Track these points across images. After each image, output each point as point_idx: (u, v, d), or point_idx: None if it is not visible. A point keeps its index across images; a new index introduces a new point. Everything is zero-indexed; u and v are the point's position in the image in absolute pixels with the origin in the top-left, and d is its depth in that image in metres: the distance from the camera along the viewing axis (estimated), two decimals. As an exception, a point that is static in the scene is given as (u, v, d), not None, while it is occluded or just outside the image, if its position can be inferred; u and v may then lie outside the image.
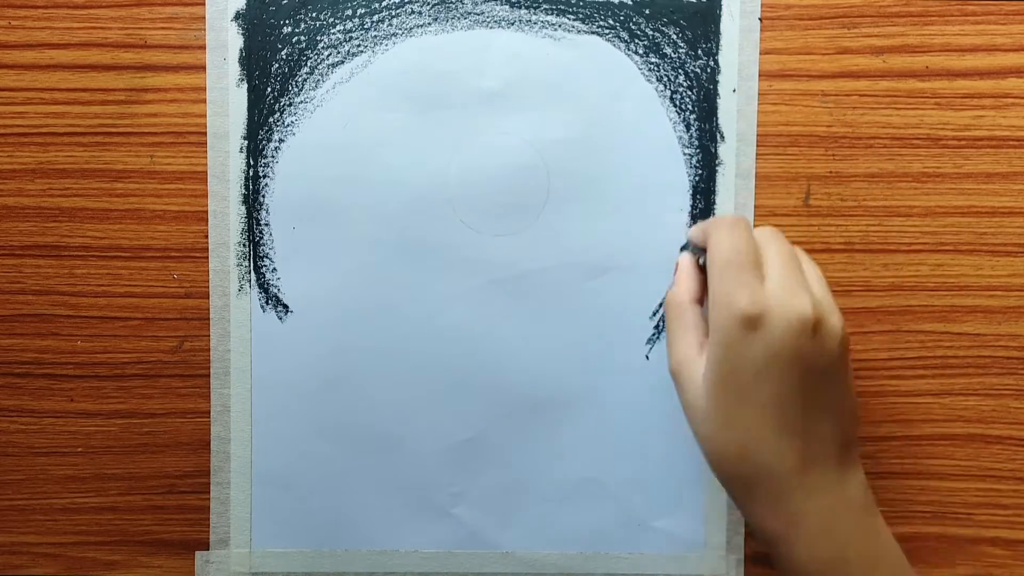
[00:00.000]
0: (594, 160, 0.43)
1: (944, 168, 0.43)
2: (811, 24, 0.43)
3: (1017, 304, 0.44)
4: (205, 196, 0.43)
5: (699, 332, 0.36)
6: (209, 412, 0.44)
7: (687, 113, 0.43)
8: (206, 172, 0.43)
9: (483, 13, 0.43)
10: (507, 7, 0.43)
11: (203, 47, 0.43)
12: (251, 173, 0.43)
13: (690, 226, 0.43)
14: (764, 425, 0.33)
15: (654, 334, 0.44)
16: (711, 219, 0.38)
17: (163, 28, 0.43)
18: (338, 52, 0.43)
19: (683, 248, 0.40)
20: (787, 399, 0.33)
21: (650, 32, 0.43)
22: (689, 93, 0.43)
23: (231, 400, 0.44)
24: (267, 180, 0.43)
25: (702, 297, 0.37)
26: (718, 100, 0.43)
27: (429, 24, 0.43)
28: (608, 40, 0.43)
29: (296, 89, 0.43)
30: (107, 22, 0.43)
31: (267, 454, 0.44)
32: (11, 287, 0.44)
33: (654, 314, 0.44)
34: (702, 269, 0.37)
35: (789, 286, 0.34)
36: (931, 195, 0.44)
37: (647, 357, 0.44)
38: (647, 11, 0.43)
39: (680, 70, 0.43)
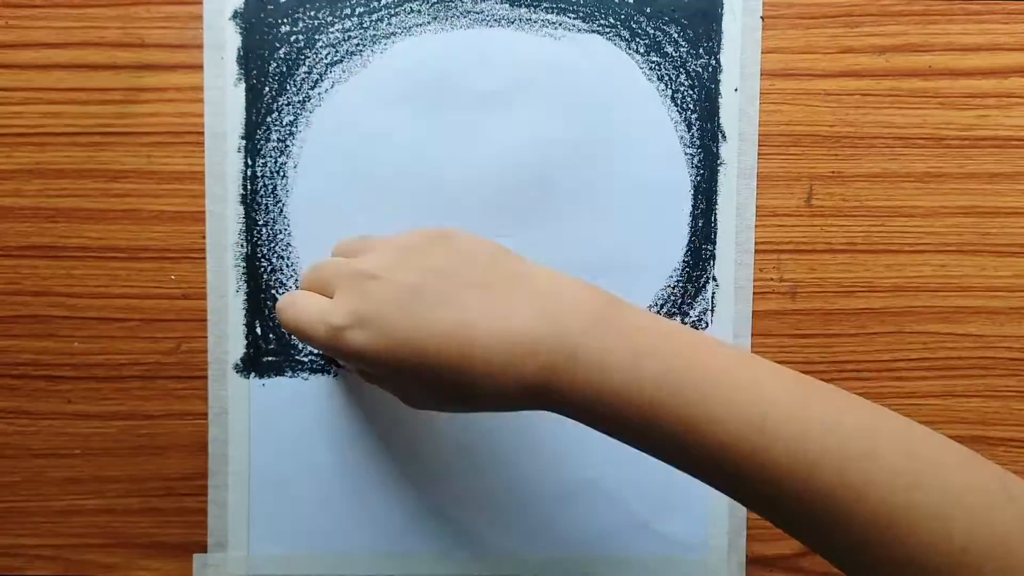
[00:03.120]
0: (595, 160, 0.43)
1: (947, 168, 0.43)
2: (813, 23, 0.43)
3: (1020, 305, 0.44)
4: (203, 196, 0.43)
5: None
6: (207, 414, 0.44)
7: (688, 112, 0.43)
8: (204, 172, 0.43)
9: (483, 12, 0.43)
10: (507, 6, 0.43)
11: (201, 46, 0.43)
12: (249, 173, 0.43)
13: (690, 226, 0.43)
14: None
15: (655, 335, 0.43)
16: None
17: (161, 27, 0.43)
18: (337, 51, 0.43)
19: None
20: (429, 282, 0.32)
21: (651, 31, 0.43)
22: (690, 92, 0.43)
23: (229, 402, 0.43)
24: (265, 180, 0.43)
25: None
26: (720, 99, 0.43)
27: (428, 23, 0.43)
28: (609, 39, 0.43)
29: (294, 88, 0.43)
30: (104, 21, 0.43)
31: (265, 456, 0.44)
32: (8, 288, 0.43)
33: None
34: None
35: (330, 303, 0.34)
36: (934, 195, 0.43)
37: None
38: (648, 9, 0.43)
39: (681, 69, 0.43)
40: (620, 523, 0.44)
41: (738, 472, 0.29)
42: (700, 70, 0.43)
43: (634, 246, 0.43)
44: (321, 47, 0.43)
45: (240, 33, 0.43)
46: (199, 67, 0.43)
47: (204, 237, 0.43)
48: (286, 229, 0.43)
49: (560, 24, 0.43)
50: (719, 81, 0.43)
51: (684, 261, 0.43)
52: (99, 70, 0.43)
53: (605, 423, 0.31)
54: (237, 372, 0.43)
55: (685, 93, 0.43)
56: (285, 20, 0.43)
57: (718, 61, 0.43)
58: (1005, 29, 0.43)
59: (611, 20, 0.43)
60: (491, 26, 0.43)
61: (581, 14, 0.43)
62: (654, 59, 0.43)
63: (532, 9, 0.43)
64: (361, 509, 0.44)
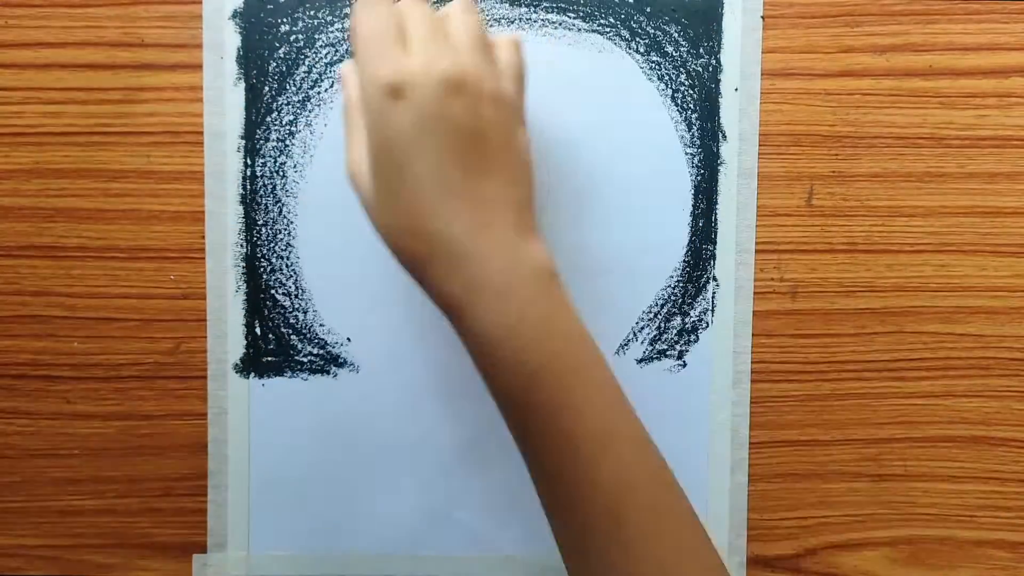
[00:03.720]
0: (595, 160, 0.43)
1: (947, 168, 0.43)
2: (814, 22, 0.43)
3: (1021, 305, 0.44)
4: (202, 196, 0.43)
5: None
6: (206, 414, 0.43)
7: (689, 112, 0.43)
8: (203, 172, 0.43)
9: (483, 11, 0.42)
10: (507, 5, 0.42)
11: (200, 46, 0.43)
12: (249, 173, 0.43)
13: (691, 226, 0.43)
14: (427, 194, 0.32)
15: (655, 334, 0.43)
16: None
17: (160, 27, 0.43)
18: (337, 51, 0.43)
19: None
20: (445, 164, 0.32)
21: (651, 30, 0.43)
22: (691, 92, 0.43)
23: (228, 402, 0.43)
24: (265, 180, 0.43)
25: None
26: (720, 99, 0.43)
27: (428, 23, 0.42)
28: (609, 38, 0.43)
29: (294, 88, 0.43)
30: (104, 21, 0.43)
31: (265, 456, 0.43)
32: (7, 288, 0.43)
33: (655, 315, 0.43)
34: None
35: (429, 50, 0.32)
36: (934, 195, 0.43)
37: (647, 357, 0.43)
38: (648, 9, 0.43)
39: (682, 69, 0.43)
40: (620, 523, 0.44)
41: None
42: (700, 70, 0.43)
43: (634, 246, 0.43)
44: (321, 47, 0.43)
45: (239, 33, 0.43)
46: (198, 67, 0.43)
47: (203, 237, 0.43)
48: (286, 229, 0.43)
49: (560, 24, 0.43)
50: (719, 81, 0.43)
51: (684, 261, 0.43)
52: (98, 70, 0.43)
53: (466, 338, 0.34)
54: (236, 372, 0.43)
55: (685, 93, 0.43)
56: (285, 20, 0.43)
57: (718, 61, 0.43)
58: (1005, 29, 0.43)
59: (611, 20, 0.43)
60: (491, 25, 0.43)
61: (581, 14, 0.43)
62: (654, 59, 0.43)
63: (532, 9, 0.43)
64: (361, 509, 0.44)
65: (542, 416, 0.33)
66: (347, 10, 0.42)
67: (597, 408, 0.33)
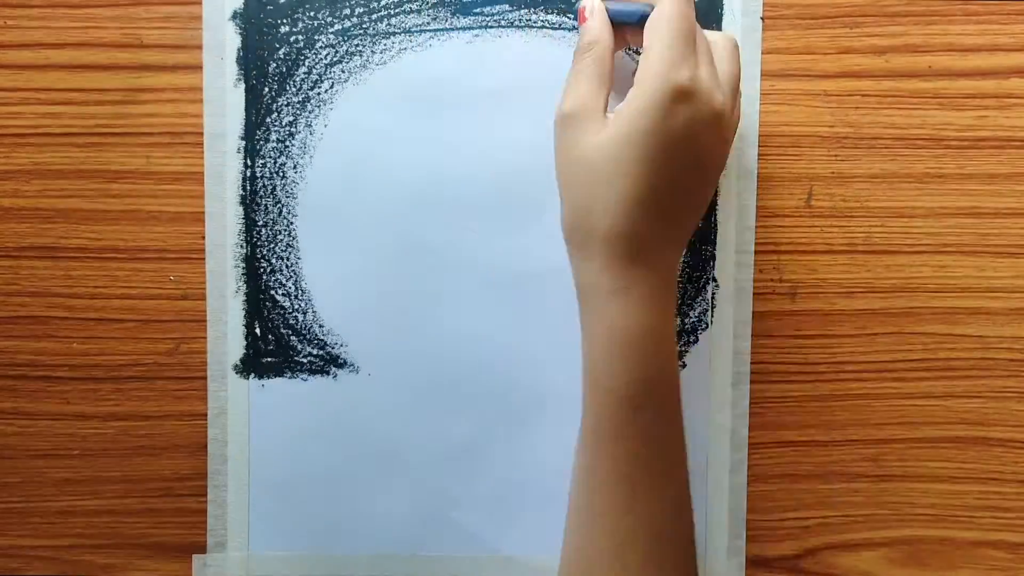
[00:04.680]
0: (594, 161, 0.43)
1: (947, 169, 0.43)
2: (813, 24, 0.43)
3: (1020, 306, 0.44)
4: (202, 197, 0.43)
5: (608, 84, 0.37)
6: (206, 415, 0.43)
7: (688, 113, 0.43)
8: (203, 173, 0.43)
9: (482, 12, 0.43)
10: (507, 6, 0.43)
11: (200, 47, 0.43)
12: (248, 174, 0.43)
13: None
14: (654, 192, 0.34)
15: (655, 336, 0.43)
16: None
17: (160, 28, 0.43)
18: (336, 52, 0.43)
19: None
20: (684, 177, 0.35)
21: (651, 32, 0.43)
22: (690, 93, 0.43)
23: (228, 403, 0.43)
24: (264, 181, 0.43)
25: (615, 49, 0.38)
26: (719, 100, 0.43)
27: (428, 23, 0.43)
28: (608, 40, 0.43)
29: (294, 89, 0.43)
30: (103, 22, 0.43)
31: (264, 457, 0.43)
32: (7, 289, 0.43)
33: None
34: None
35: (715, 75, 0.36)
36: (934, 196, 0.43)
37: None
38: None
39: (681, 70, 0.43)
40: (620, 524, 0.44)
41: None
42: (700, 71, 0.43)
43: (634, 247, 0.43)
44: (321, 47, 0.43)
45: (240, 34, 0.43)
46: (198, 68, 0.43)
47: (203, 238, 0.43)
48: (285, 230, 0.43)
49: (560, 25, 0.43)
50: (719, 82, 0.43)
51: (684, 262, 0.43)
52: (98, 70, 0.43)
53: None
54: (236, 373, 0.43)
55: (685, 94, 0.43)
56: (285, 20, 0.43)
57: (718, 62, 0.43)
58: (1005, 30, 0.43)
59: (611, 21, 0.43)
60: (491, 26, 0.43)
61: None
62: (654, 60, 0.43)
63: (532, 10, 0.43)
64: (360, 509, 0.44)
65: (647, 418, 0.35)
66: (346, 11, 0.42)
67: (679, 425, 0.37)
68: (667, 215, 0.35)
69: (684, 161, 0.35)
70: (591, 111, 0.36)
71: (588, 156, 0.35)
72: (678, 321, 0.43)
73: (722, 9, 0.42)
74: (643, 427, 0.35)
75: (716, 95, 0.35)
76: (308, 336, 0.43)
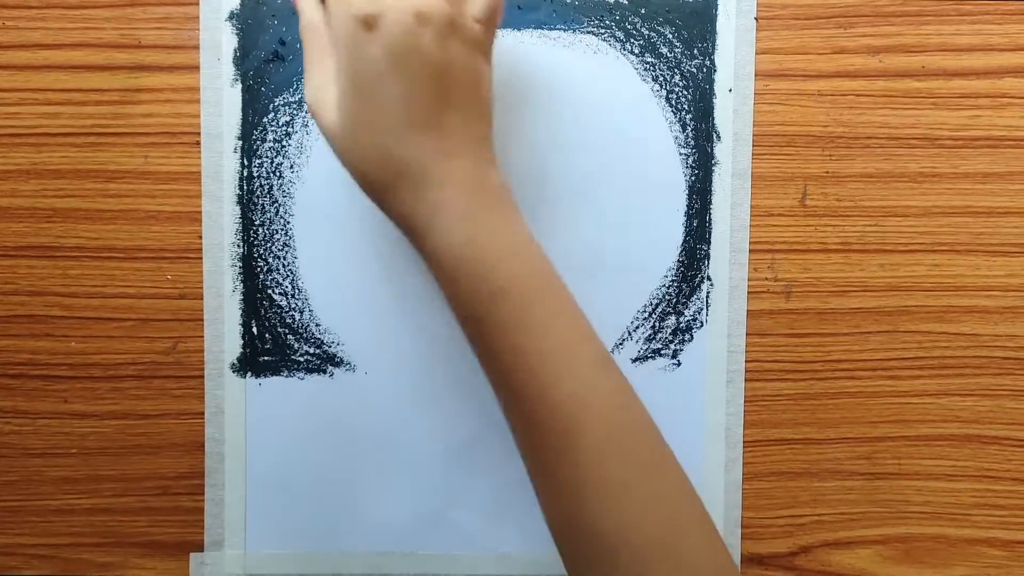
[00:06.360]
0: (590, 160, 0.43)
1: (941, 168, 0.43)
2: (807, 24, 0.43)
3: (1014, 304, 0.44)
4: (199, 196, 0.43)
5: (331, 54, 0.35)
6: (203, 413, 0.44)
7: (683, 113, 0.43)
8: (200, 172, 0.43)
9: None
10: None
11: (197, 47, 0.43)
12: (245, 173, 0.43)
13: (685, 226, 0.43)
14: (397, 122, 0.34)
15: (650, 333, 0.44)
16: None
17: (157, 28, 0.43)
18: (333, 52, 0.43)
19: None
20: (414, 95, 0.33)
21: (646, 31, 0.43)
22: (685, 93, 0.43)
23: (225, 401, 0.43)
24: (261, 180, 0.43)
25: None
26: (714, 100, 0.43)
27: (424, 24, 0.43)
28: (603, 40, 0.43)
29: (291, 89, 0.43)
30: (101, 22, 0.43)
31: (262, 455, 0.44)
32: (5, 288, 0.43)
33: (650, 314, 0.44)
34: None
35: None
36: (928, 195, 0.43)
37: (642, 356, 0.44)
38: (643, 10, 0.43)
39: (676, 70, 0.43)
40: (615, 522, 0.44)
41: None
42: (694, 71, 0.43)
43: (629, 246, 0.43)
44: (317, 48, 0.43)
45: (236, 34, 0.43)
46: (195, 68, 0.43)
47: (200, 237, 0.43)
48: (282, 229, 0.43)
49: (555, 26, 0.43)
50: (713, 81, 0.43)
51: (679, 261, 0.44)
52: (96, 71, 0.43)
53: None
54: (233, 372, 0.44)
55: (680, 94, 0.43)
56: (281, 21, 0.43)
57: (712, 62, 0.43)
58: (998, 30, 0.43)
59: (606, 21, 0.43)
60: (486, 27, 0.43)
61: (576, 15, 0.43)
62: (649, 60, 0.43)
63: (528, 11, 0.43)
64: (358, 508, 0.44)
65: (503, 334, 0.34)
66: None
67: (557, 328, 0.34)
68: (432, 128, 0.34)
69: (411, 78, 0.33)
70: (326, 87, 0.35)
71: (332, 124, 0.35)
72: (673, 319, 0.44)
73: (716, 9, 0.43)
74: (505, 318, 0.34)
75: (410, 1, 0.33)
76: (305, 335, 0.44)
